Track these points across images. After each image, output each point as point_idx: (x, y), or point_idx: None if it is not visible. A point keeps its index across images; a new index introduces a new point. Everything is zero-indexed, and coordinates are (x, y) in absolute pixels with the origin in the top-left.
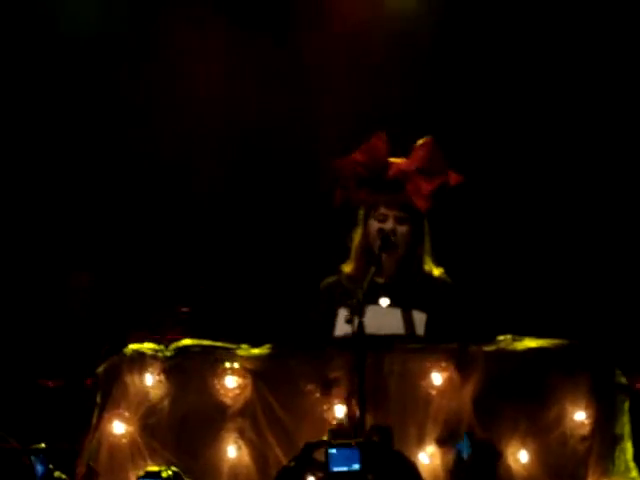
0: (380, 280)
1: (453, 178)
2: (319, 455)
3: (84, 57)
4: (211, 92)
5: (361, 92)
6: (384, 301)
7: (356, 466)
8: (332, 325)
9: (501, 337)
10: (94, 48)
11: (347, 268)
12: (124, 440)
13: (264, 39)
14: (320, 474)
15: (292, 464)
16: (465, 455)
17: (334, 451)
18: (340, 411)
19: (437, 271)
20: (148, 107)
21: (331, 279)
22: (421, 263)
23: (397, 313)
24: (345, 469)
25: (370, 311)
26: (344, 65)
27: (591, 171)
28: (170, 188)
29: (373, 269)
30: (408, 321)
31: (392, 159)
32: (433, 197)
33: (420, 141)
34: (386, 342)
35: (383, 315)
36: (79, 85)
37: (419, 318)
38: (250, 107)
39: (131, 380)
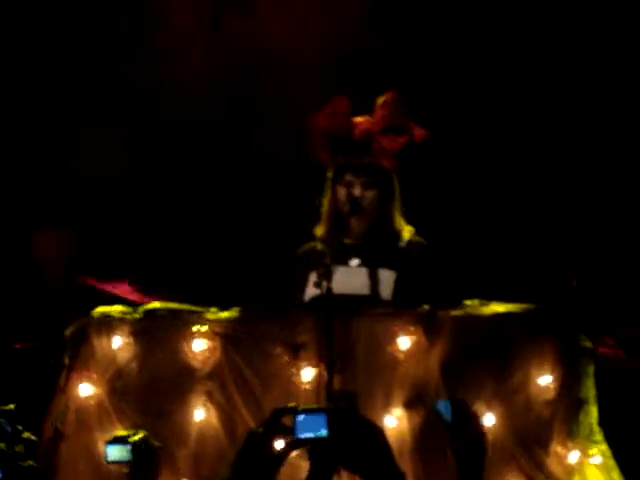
0: (349, 241)
1: (418, 134)
2: (287, 420)
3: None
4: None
5: (325, 45)
6: (354, 261)
7: (323, 432)
8: (303, 289)
9: (468, 301)
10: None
11: (319, 231)
12: (92, 402)
13: None
14: (288, 440)
15: (260, 430)
16: (448, 417)
17: (301, 417)
18: (308, 374)
19: (408, 230)
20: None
21: (307, 246)
22: (391, 223)
23: (365, 272)
24: (312, 435)
25: (339, 272)
26: (306, 19)
27: (558, 129)
28: (142, 144)
29: (338, 238)
30: (375, 280)
31: (356, 118)
32: (400, 155)
33: (383, 97)
34: (354, 306)
35: (352, 275)
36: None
37: (387, 277)
38: (214, 66)
39: (99, 342)
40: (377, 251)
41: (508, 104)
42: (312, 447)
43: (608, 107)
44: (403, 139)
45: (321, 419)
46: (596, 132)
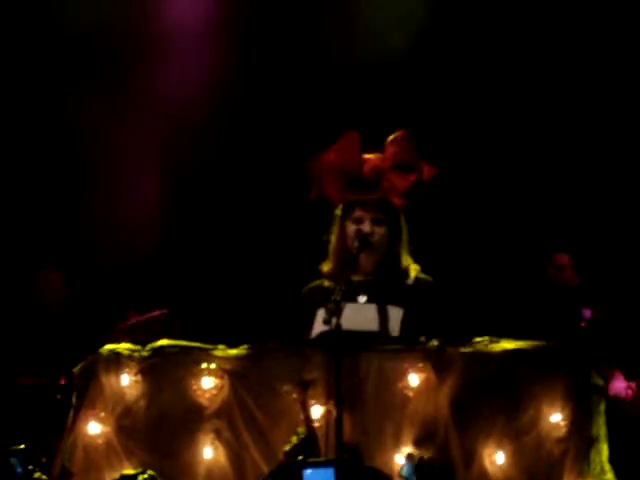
0: (358, 278)
1: (427, 172)
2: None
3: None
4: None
5: (332, 88)
6: (362, 298)
7: None
8: (311, 326)
9: (478, 339)
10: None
11: (325, 268)
12: (100, 440)
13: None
14: None
15: None
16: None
17: (309, 472)
18: (317, 412)
19: (414, 269)
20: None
21: (314, 283)
22: (399, 261)
23: (373, 309)
24: None
25: (347, 308)
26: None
27: (562, 171)
28: (145, 187)
29: (347, 274)
30: (384, 317)
31: (366, 155)
32: (409, 193)
33: (393, 135)
34: (363, 342)
35: (360, 312)
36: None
37: (395, 313)
38: (226, 106)
39: (107, 380)
40: (385, 288)
41: (513, 144)
42: None
43: (606, 137)
44: (412, 177)
45: (329, 473)
46: (599, 170)
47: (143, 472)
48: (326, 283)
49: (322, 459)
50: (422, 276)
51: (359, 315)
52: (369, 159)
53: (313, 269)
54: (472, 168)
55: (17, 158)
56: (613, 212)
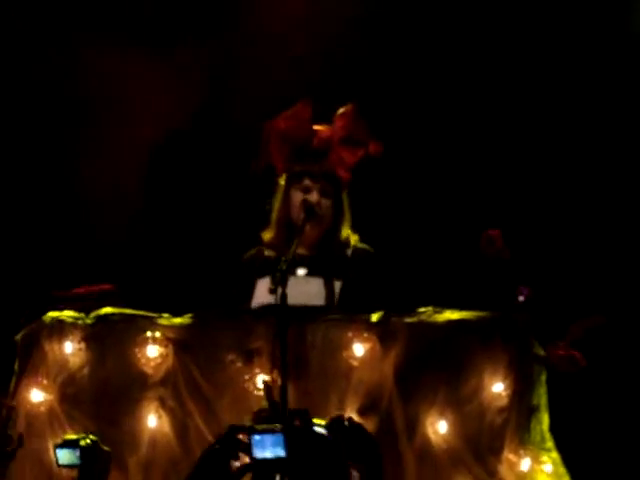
0: (301, 251)
1: (373, 147)
2: (244, 437)
3: None
4: None
5: (285, 55)
6: (301, 271)
7: (281, 452)
8: (250, 296)
9: (422, 309)
10: None
11: (267, 236)
12: (42, 408)
13: None
14: (245, 458)
15: (216, 446)
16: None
17: (258, 437)
18: (261, 381)
19: (354, 239)
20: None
21: (253, 251)
22: (341, 233)
23: (317, 282)
24: (270, 455)
25: (290, 281)
26: (272, 26)
27: (503, 129)
28: (85, 151)
29: (297, 241)
30: (328, 290)
31: (316, 126)
32: (355, 167)
33: (343, 108)
34: (308, 313)
35: (303, 285)
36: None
37: (336, 286)
38: (176, 67)
39: (50, 348)
40: (325, 261)
41: (456, 119)
42: (270, 467)
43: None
44: (360, 152)
45: (279, 439)
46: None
47: (85, 437)
48: (266, 252)
49: (272, 426)
50: (361, 245)
51: (304, 289)
52: (319, 130)
53: (252, 236)
54: (413, 141)
55: None
56: (548, 190)
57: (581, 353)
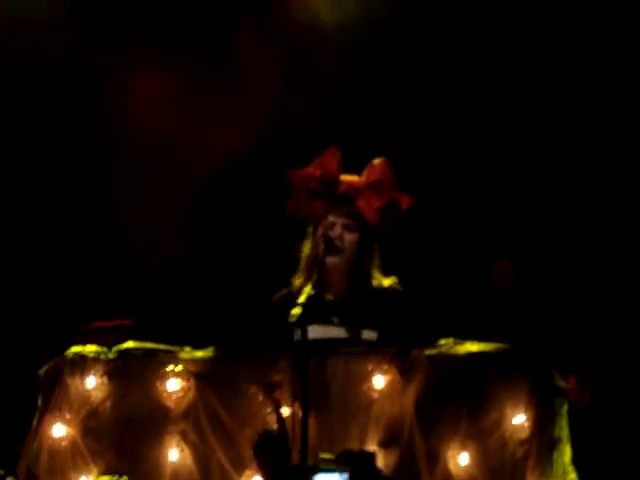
0: (330, 297)
1: (405, 201)
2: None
3: None
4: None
5: (318, 109)
6: (335, 320)
7: None
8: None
9: (443, 341)
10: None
11: (297, 281)
12: (65, 443)
13: (210, 51)
14: None
15: None
16: None
17: (320, 477)
18: (283, 413)
19: (388, 282)
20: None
21: (283, 292)
22: (369, 277)
23: (346, 332)
24: None
25: (320, 329)
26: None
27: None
28: (117, 186)
29: (317, 271)
30: (356, 338)
31: (344, 176)
32: (384, 215)
33: (374, 161)
34: (329, 345)
35: (332, 333)
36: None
37: (369, 337)
38: (204, 117)
39: (73, 382)
40: (356, 309)
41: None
42: None
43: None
44: (388, 197)
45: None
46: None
47: (119, 477)
48: (296, 295)
49: (334, 466)
50: (393, 288)
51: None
52: (346, 179)
53: (283, 283)
54: (429, 180)
55: None
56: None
57: (589, 389)
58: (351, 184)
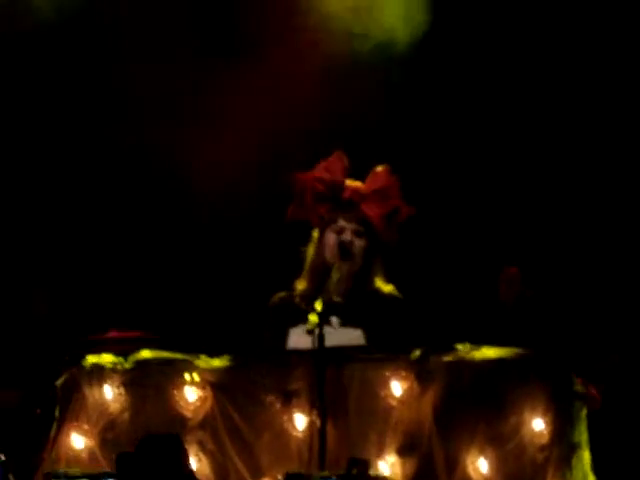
0: (337, 299)
1: (405, 210)
2: None
3: None
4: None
5: (324, 112)
6: (335, 320)
7: None
8: (283, 340)
9: (459, 346)
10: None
11: (300, 285)
12: (83, 454)
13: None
14: None
15: None
16: None
17: None
18: (300, 422)
19: (387, 288)
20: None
21: (282, 294)
22: (372, 282)
23: (346, 332)
24: None
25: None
26: (309, 83)
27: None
28: (123, 202)
29: (334, 275)
30: (360, 340)
31: (348, 181)
32: (388, 223)
33: (377, 168)
34: (346, 353)
35: (335, 334)
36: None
37: (356, 337)
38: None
39: (90, 393)
40: (359, 310)
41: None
42: None
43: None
44: (391, 205)
45: None
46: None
47: None
48: (297, 299)
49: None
50: (393, 294)
51: (332, 339)
52: (351, 184)
53: (285, 286)
54: (435, 187)
55: None
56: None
57: (598, 394)
58: (356, 190)
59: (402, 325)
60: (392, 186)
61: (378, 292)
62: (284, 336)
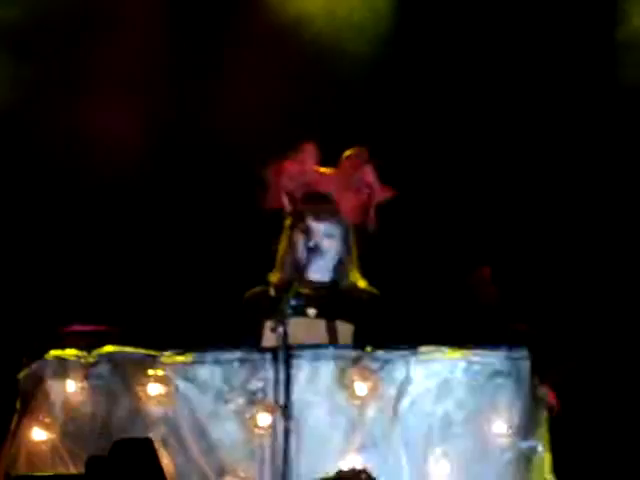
0: (306, 291)
1: (381, 192)
2: None
3: None
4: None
5: (293, 97)
6: (312, 311)
7: None
8: (259, 337)
9: (424, 348)
10: None
11: (273, 278)
12: (44, 447)
13: (194, 40)
14: None
15: None
16: None
17: None
18: (264, 420)
19: (362, 283)
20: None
21: (257, 289)
22: (347, 275)
23: (322, 324)
24: None
25: (296, 322)
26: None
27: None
28: (87, 188)
29: (296, 284)
30: (333, 332)
31: (321, 169)
32: (362, 211)
33: (349, 152)
34: (311, 351)
35: (308, 326)
36: None
37: (344, 329)
38: (177, 109)
39: (52, 386)
40: (332, 302)
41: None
42: None
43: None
44: (365, 194)
45: None
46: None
47: None
48: (272, 292)
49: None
50: (369, 289)
51: (309, 330)
52: (324, 174)
53: (259, 279)
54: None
55: None
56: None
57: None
58: (328, 180)
59: (375, 321)
60: (364, 171)
61: (354, 285)
62: (260, 331)
